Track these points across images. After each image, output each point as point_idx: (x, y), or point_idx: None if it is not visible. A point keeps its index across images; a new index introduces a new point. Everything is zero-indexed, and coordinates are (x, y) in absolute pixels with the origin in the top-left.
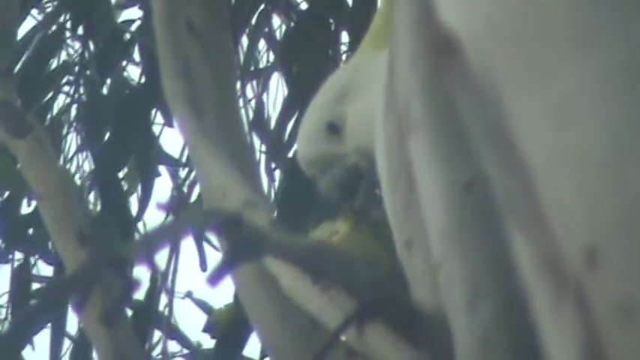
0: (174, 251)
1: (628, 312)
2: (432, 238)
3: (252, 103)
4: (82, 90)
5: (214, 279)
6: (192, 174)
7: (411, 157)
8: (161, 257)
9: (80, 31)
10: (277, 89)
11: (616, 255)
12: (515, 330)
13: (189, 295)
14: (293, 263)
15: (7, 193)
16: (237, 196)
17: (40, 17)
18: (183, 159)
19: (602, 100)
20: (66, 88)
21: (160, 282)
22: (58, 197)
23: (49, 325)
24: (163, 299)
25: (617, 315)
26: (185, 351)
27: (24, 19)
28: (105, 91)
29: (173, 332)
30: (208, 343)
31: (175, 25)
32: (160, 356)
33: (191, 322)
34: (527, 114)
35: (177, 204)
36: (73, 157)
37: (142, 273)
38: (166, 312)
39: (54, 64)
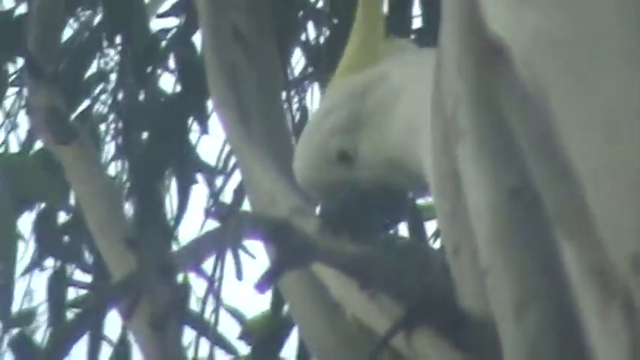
0: (222, 258)
1: None
2: (480, 244)
3: (296, 109)
4: (118, 98)
5: (262, 285)
6: (229, 181)
7: (457, 163)
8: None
9: (117, 40)
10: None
11: None
12: (563, 336)
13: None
14: (341, 269)
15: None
16: (286, 203)
17: (76, 25)
18: (220, 166)
19: None
20: (103, 97)
21: (206, 289)
22: (103, 203)
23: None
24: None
25: None
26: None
27: (65, 26)
28: (141, 99)
29: (218, 340)
30: (244, 350)
31: (222, 33)
32: None
33: (224, 329)
34: (575, 124)
35: (225, 211)
36: (109, 164)
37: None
38: (212, 318)
39: (90, 71)
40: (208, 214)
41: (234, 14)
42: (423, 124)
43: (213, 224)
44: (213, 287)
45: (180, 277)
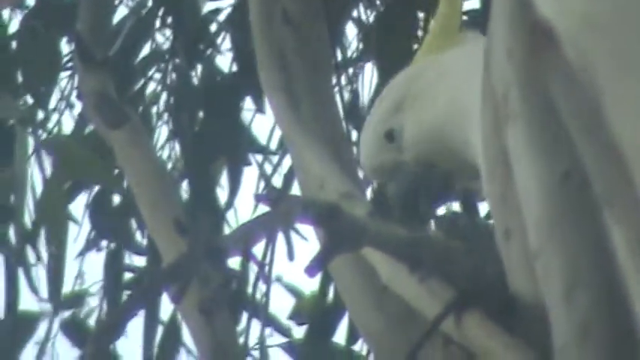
0: (272, 242)
1: None
2: (530, 227)
3: (347, 92)
4: (171, 79)
5: (313, 269)
6: (282, 162)
7: (507, 146)
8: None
9: (169, 20)
10: (371, 78)
11: None
12: (614, 319)
13: (278, 279)
14: (391, 253)
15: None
16: (335, 188)
17: (127, 9)
18: (273, 146)
19: None
20: (156, 77)
21: (258, 272)
22: (155, 187)
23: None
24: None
25: None
26: (278, 339)
27: (116, 9)
28: (194, 81)
29: (269, 320)
30: (297, 331)
31: (271, 17)
32: (257, 345)
33: (278, 307)
34: (623, 106)
35: (275, 195)
36: (163, 146)
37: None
38: (263, 301)
39: (143, 53)
40: (258, 198)
41: None
42: (471, 106)
43: (264, 208)
44: (264, 271)
45: (235, 262)
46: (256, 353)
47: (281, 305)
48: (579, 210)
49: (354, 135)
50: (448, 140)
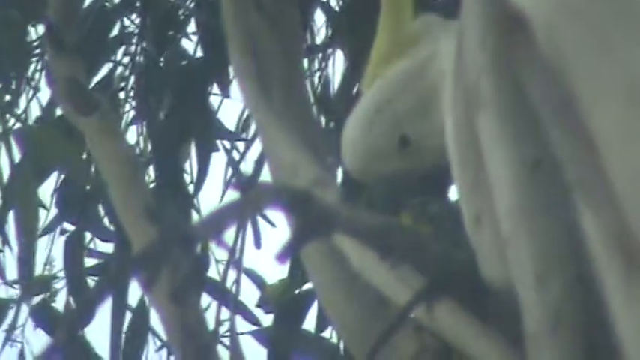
0: (242, 229)
1: None
2: (501, 214)
3: (316, 78)
4: (139, 65)
5: (283, 256)
6: (250, 148)
7: (479, 133)
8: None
9: (137, 4)
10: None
11: None
12: (585, 305)
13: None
14: (362, 240)
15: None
16: (306, 174)
17: None
18: (241, 134)
19: None
20: (124, 61)
21: (228, 259)
22: (124, 174)
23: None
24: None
25: None
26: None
27: None
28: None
29: (239, 309)
30: (265, 318)
31: (243, 3)
32: (228, 332)
33: (244, 295)
34: (596, 92)
35: (246, 182)
36: (127, 128)
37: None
38: (233, 289)
39: (110, 37)
40: (228, 184)
41: None
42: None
43: (233, 194)
44: (234, 257)
45: (200, 247)
46: (227, 340)
47: (247, 293)
48: (550, 196)
49: (323, 121)
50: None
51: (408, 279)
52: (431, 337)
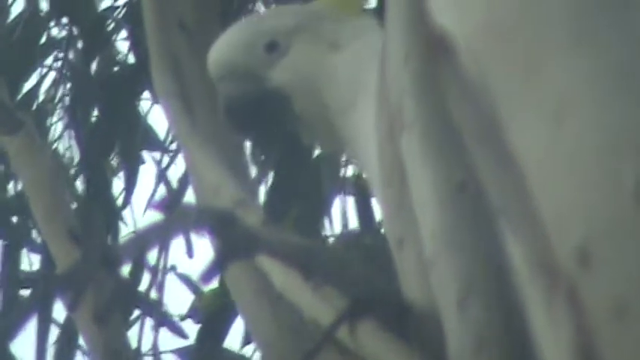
0: (165, 249)
1: (621, 312)
2: (425, 237)
3: None
4: (67, 76)
5: (207, 277)
6: (176, 160)
7: (403, 155)
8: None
9: (63, 20)
10: None
11: (609, 255)
12: (508, 328)
13: (173, 269)
14: (284, 261)
15: None
16: (229, 195)
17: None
18: (169, 144)
19: (595, 97)
20: (51, 75)
21: (151, 278)
22: (49, 193)
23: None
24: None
25: (609, 314)
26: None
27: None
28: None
29: (164, 320)
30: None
31: (165, 23)
32: (151, 351)
33: (177, 298)
34: (520, 112)
35: (169, 202)
36: (57, 140)
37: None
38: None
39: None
40: (152, 205)
41: (179, 3)
42: (364, 95)
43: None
44: (156, 279)
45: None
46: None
47: (180, 297)
48: (475, 220)
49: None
50: (324, 98)
51: (331, 300)
52: (354, 358)
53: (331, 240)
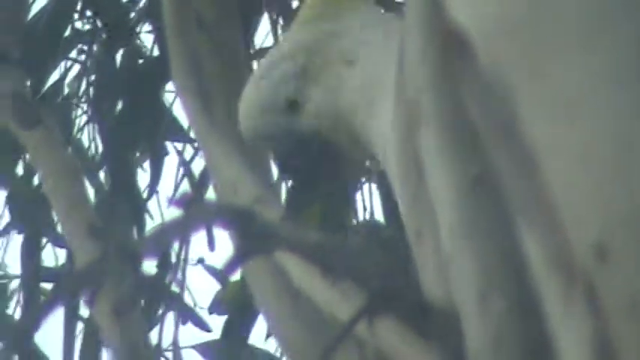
0: (185, 245)
1: (638, 307)
2: (443, 231)
3: None
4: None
5: (227, 272)
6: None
7: (420, 148)
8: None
9: (88, 12)
10: None
11: (626, 250)
12: (527, 324)
13: (200, 261)
14: (303, 257)
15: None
16: (249, 192)
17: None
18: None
19: (609, 94)
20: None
21: (172, 273)
22: (68, 189)
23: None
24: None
25: (627, 310)
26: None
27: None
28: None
29: (187, 314)
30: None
31: (185, 20)
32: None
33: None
34: (535, 109)
35: (189, 199)
36: (80, 130)
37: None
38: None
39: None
40: (171, 202)
41: (198, 1)
42: (380, 94)
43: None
44: (177, 273)
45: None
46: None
47: (206, 288)
48: (492, 215)
49: None
50: (350, 121)
51: (350, 296)
52: (374, 355)
53: (351, 232)
